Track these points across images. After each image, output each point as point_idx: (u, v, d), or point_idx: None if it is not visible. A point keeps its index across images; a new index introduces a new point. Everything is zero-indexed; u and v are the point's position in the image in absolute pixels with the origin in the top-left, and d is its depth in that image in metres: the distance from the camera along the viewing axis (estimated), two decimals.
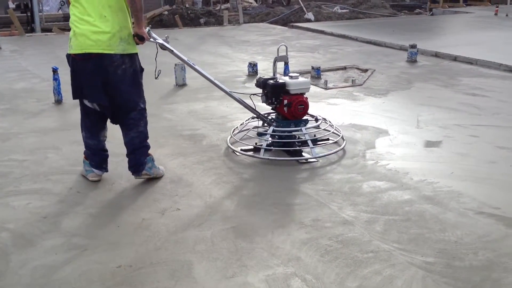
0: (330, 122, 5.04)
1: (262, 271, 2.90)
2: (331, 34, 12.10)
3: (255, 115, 4.90)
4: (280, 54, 4.93)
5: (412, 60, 8.82)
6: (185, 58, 4.55)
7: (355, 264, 2.96)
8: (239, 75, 7.93)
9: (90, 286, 2.79)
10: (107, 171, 4.14)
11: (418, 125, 5.43)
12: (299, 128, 4.68)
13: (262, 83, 4.76)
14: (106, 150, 4.16)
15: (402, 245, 3.16)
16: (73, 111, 5.84)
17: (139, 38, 4.00)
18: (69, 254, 3.07)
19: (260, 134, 4.79)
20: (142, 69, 4.02)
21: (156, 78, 4.30)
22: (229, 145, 4.80)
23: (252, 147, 4.72)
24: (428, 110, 5.95)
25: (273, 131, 4.64)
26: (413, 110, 5.96)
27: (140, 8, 3.84)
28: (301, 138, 4.65)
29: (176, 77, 7.21)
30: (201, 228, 3.37)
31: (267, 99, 4.73)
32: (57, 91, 6.22)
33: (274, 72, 5.00)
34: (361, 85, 7.19)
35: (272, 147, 4.63)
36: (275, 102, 4.68)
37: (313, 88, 7.02)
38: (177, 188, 3.96)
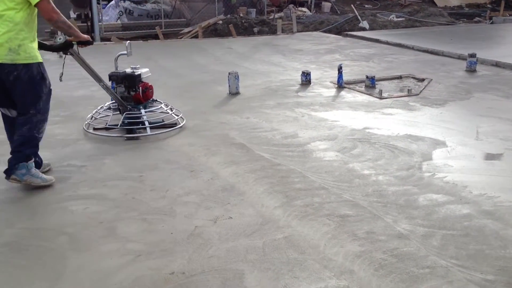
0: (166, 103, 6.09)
1: (314, 283, 2.86)
2: (387, 43, 11.92)
3: (116, 103, 5.66)
4: (128, 50, 5.65)
5: (471, 70, 8.56)
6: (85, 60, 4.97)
7: (411, 280, 2.87)
8: (292, 84, 7.91)
9: None
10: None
11: (477, 136, 5.25)
12: (168, 106, 5.91)
13: (121, 77, 5.55)
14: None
15: (461, 261, 3.05)
16: None
17: (83, 44, 4.51)
18: (123, 260, 3.13)
19: (131, 118, 5.54)
20: (42, 78, 4.11)
21: (60, 80, 4.71)
22: (85, 128, 5.61)
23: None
24: (488, 121, 5.75)
25: (146, 112, 5.60)
26: (472, 121, 5.77)
27: (56, 21, 4.04)
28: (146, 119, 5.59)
29: (229, 86, 7.26)
30: (253, 237, 3.36)
31: (127, 88, 5.55)
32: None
33: (116, 67, 5.84)
34: (418, 94, 7.03)
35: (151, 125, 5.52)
36: (137, 90, 5.56)
37: (367, 98, 6.94)
38: (230, 196, 3.97)
